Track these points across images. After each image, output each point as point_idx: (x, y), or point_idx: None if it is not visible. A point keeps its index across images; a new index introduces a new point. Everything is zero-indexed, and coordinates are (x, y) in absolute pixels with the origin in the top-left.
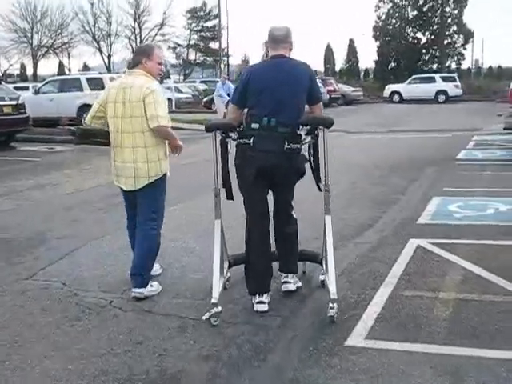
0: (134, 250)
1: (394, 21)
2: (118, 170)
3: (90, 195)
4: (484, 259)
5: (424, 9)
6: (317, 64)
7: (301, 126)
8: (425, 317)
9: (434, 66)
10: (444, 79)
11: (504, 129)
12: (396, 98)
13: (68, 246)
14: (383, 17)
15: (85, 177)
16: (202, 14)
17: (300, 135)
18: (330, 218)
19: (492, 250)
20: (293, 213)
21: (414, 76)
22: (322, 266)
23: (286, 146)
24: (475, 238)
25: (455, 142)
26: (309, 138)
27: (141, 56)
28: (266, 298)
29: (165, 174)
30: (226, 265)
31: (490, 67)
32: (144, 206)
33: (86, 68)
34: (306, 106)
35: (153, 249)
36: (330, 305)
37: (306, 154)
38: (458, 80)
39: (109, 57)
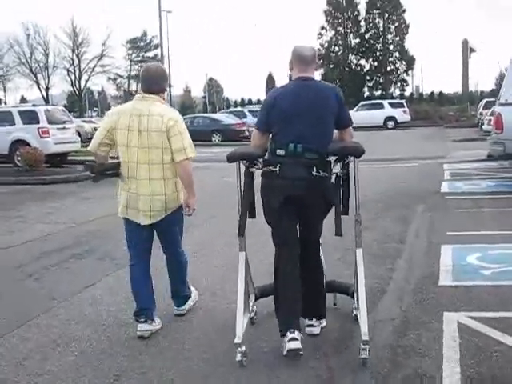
0: (135, 290)
1: (337, 48)
2: (131, 201)
3: (18, 254)
4: None
5: (366, 36)
6: (259, 93)
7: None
8: None
9: (378, 93)
10: (392, 105)
11: (488, 156)
12: None
13: None
14: (326, 44)
15: (12, 228)
16: (142, 44)
17: (329, 162)
18: (362, 251)
19: None
20: (321, 255)
21: (362, 103)
22: (353, 299)
23: (314, 172)
24: None
25: (428, 172)
26: (338, 166)
27: (164, 82)
28: (297, 334)
29: (181, 205)
30: (252, 298)
31: (432, 93)
32: (172, 236)
33: (23, 101)
34: (335, 132)
35: (186, 268)
36: (362, 346)
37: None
38: (406, 106)
39: (47, 89)
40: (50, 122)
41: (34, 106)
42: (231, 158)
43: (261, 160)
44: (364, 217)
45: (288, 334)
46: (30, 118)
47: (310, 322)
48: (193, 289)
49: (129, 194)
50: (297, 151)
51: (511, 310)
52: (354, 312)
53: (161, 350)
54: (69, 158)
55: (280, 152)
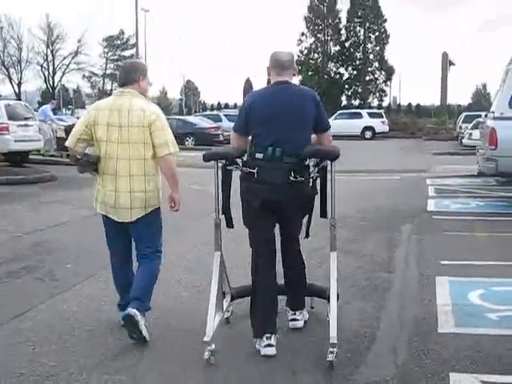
0: (120, 290)
1: (316, 55)
2: (108, 199)
3: None
4: None
5: (346, 44)
6: (236, 98)
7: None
8: None
9: (356, 102)
10: (371, 115)
11: (478, 173)
12: None
13: None
14: (305, 51)
15: None
16: (118, 42)
17: (307, 166)
18: (336, 255)
19: None
20: (300, 250)
21: (339, 111)
22: (328, 302)
23: (291, 177)
24: None
25: (412, 187)
26: (316, 171)
27: (135, 74)
28: (273, 340)
29: (159, 207)
30: (228, 298)
31: (410, 104)
32: (149, 236)
33: None
34: (313, 136)
35: (156, 277)
36: (330, 349)
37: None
38: (384, 116)
39: (19, 84)
40: (10, 118)
41: None
42: (208, 157)
43: (239, 161)
44: (345, 237)
45: (264, 339)
46: None
47: (294, 316)
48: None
49: (105, 192)
50: (275, 155)
51: None
52: (329, 316)
53: None
54: (31, 157)
55: (259, 156)
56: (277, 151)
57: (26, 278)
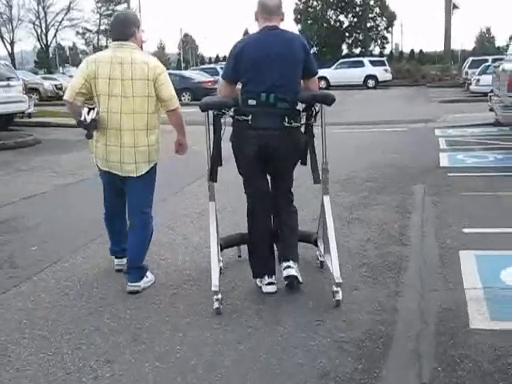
0: (113, 236)
1: (315, 3)
2: (112, 154)
3: None
4: None
5: None
6: None
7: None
8: None
9: (357, 51)
10: (373, 63)
11: (495, 123)
12: (322, 83)
13: None
14: None
15: None
16: None
17: (299, 111)
18: (329, 198)
19: None
20: (293, 202)
21: (341, 60)
22: (316, 246)
23: (285, 122)
24: None
25: (420, 139)
26: (305, 116)
27: (132, 27)
28: (274, 278)
29: (155, 164)
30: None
31: (412, 51)
32: (141, 193)
33: None
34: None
35: (149, 237)
36: (335, 288)
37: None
38: (387, 64)
39: (11, 44)
40: None
41: None
42: (204, 107)
43: (232, 109)
44: (350, 202)
45: (266, 277)
46: None
47: (287, 264)
48: (149, 273)
49: (108, 147)
50: (269, 101)
51: None
52: (319, 259)
53: None
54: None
55: (251, 102)
56: (271, 97)
57: None
